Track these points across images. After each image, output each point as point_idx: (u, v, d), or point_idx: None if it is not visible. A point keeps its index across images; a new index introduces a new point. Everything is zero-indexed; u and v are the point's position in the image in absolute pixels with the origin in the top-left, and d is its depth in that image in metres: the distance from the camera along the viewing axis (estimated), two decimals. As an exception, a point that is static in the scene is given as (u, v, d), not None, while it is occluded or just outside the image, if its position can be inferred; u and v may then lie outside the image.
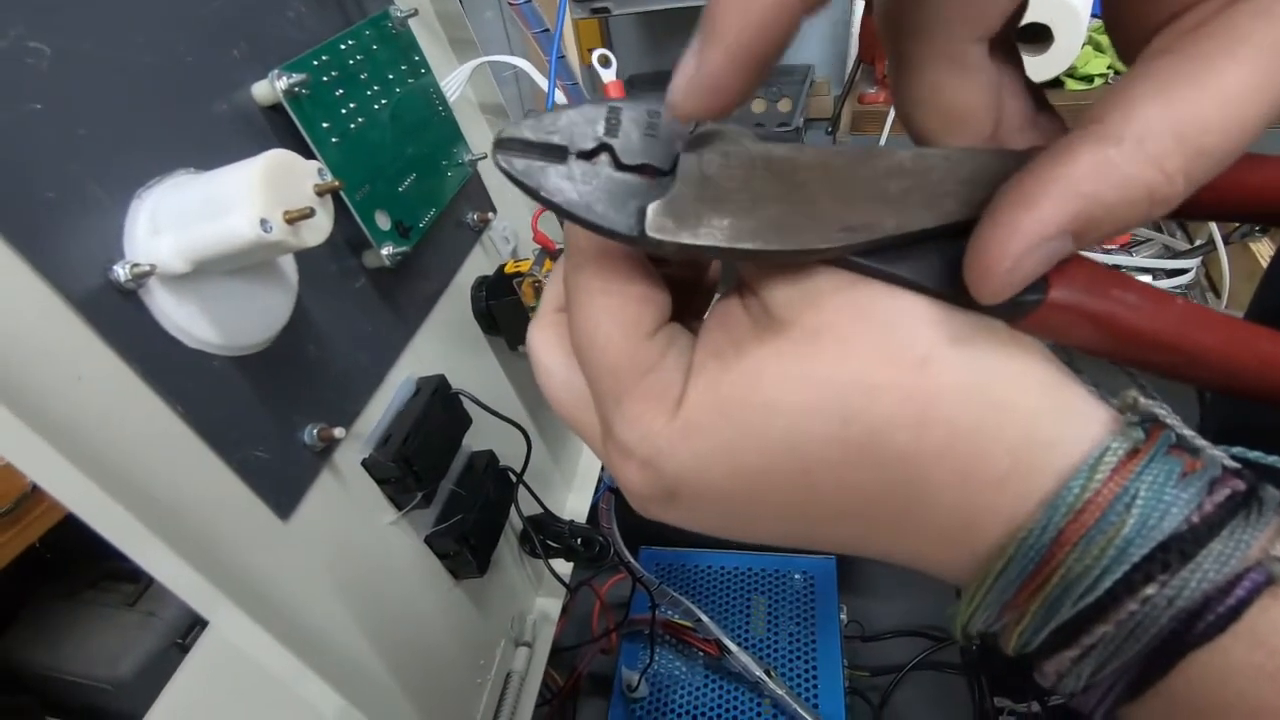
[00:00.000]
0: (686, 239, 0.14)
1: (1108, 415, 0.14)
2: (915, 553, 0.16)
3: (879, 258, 0.14)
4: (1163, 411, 0.14)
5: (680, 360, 0.16)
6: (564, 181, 0.15)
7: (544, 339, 0.19)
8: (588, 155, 0.15)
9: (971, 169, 0.14)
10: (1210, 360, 0.14)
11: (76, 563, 0.60)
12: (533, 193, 0.15)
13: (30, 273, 0.22)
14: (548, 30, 0.40)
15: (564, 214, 0.15)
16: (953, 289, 0.14)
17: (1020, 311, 0.14)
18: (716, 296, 0.17)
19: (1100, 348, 0.15)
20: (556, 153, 0.15)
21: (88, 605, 0.58)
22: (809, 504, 0.16)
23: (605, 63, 0.18)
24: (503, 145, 0.15)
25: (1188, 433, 0.14)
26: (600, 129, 0.15)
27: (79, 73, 0.24)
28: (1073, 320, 0.14)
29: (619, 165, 0.15)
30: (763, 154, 0.14)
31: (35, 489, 0.51)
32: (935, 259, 0.14)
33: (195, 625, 0.55)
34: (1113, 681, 0.14)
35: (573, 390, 0.18)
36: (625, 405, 0.16)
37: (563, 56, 0.40)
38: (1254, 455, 0.14)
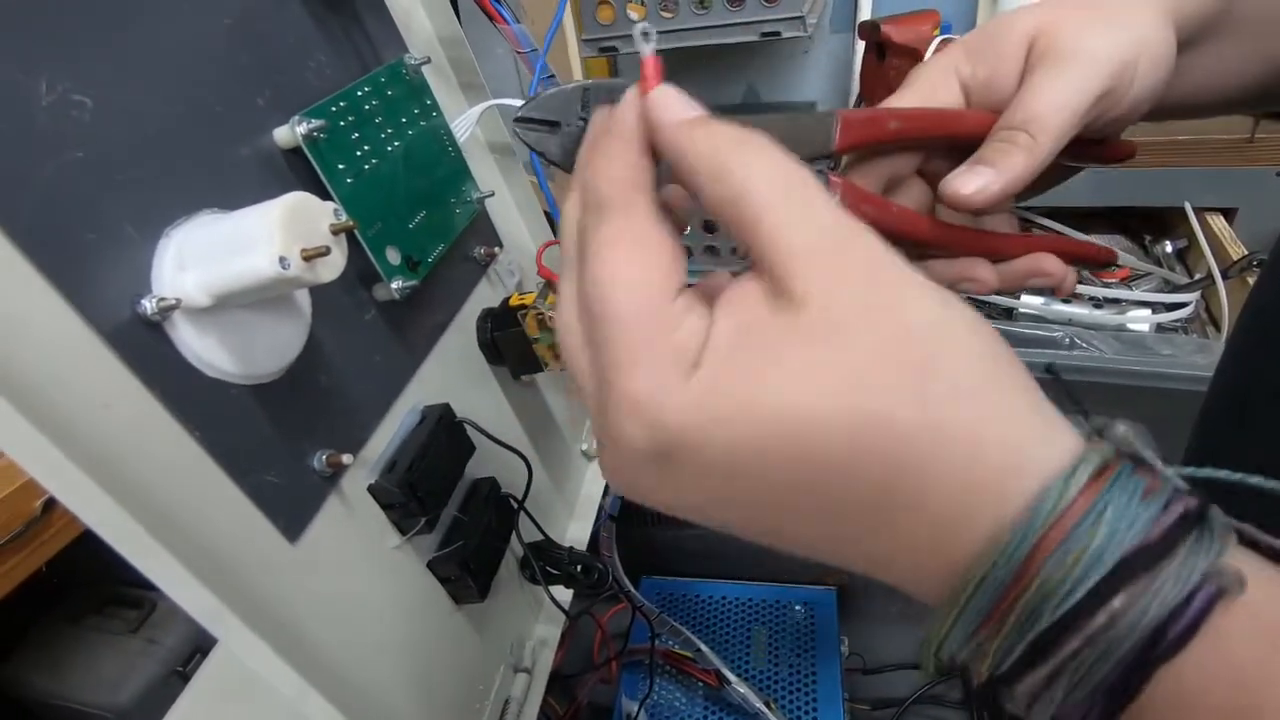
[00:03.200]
0: None
1: (1079, 437, 0.16)
2: (896, 557, 0.16)
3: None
4: (1126, 434, 0.15)
5: (699, 325, 0.17)
6: (557, 146, 0.21)
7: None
8: (574, 125, 0.21)
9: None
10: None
11: (82, 588, 0.61)
12: (541, 155, 0.21)
13: (66, 307, 0.24)
14: (554, 76, 0.42)
15: (560, 168, 0.20)
16: None
17: None
18: (734, 272, 0.18)
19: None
20: (552, 125, 0.21)
21: (91, 631, 0.58)
22: (803, 487, 0.16)
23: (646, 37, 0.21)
24: (519, 122, 0.21)
25: (1149, 454, 0.15)
26: (578, 107, 0.21)
27: (117, 122, 0.26)
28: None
29: None
30: None
31: (43, 513, 0.53)
32: None
33: (196, 653, 0.56)
34: (1087, 707, 0.14)
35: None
36: (642, 357, 0.16)
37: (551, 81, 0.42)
38: (1204, 472, 0.15)
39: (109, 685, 0.55)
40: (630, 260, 0.17)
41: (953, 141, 0.27)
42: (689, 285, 0.18)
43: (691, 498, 0.17)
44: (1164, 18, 0.25)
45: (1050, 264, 0.28)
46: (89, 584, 0.62)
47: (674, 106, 0.18)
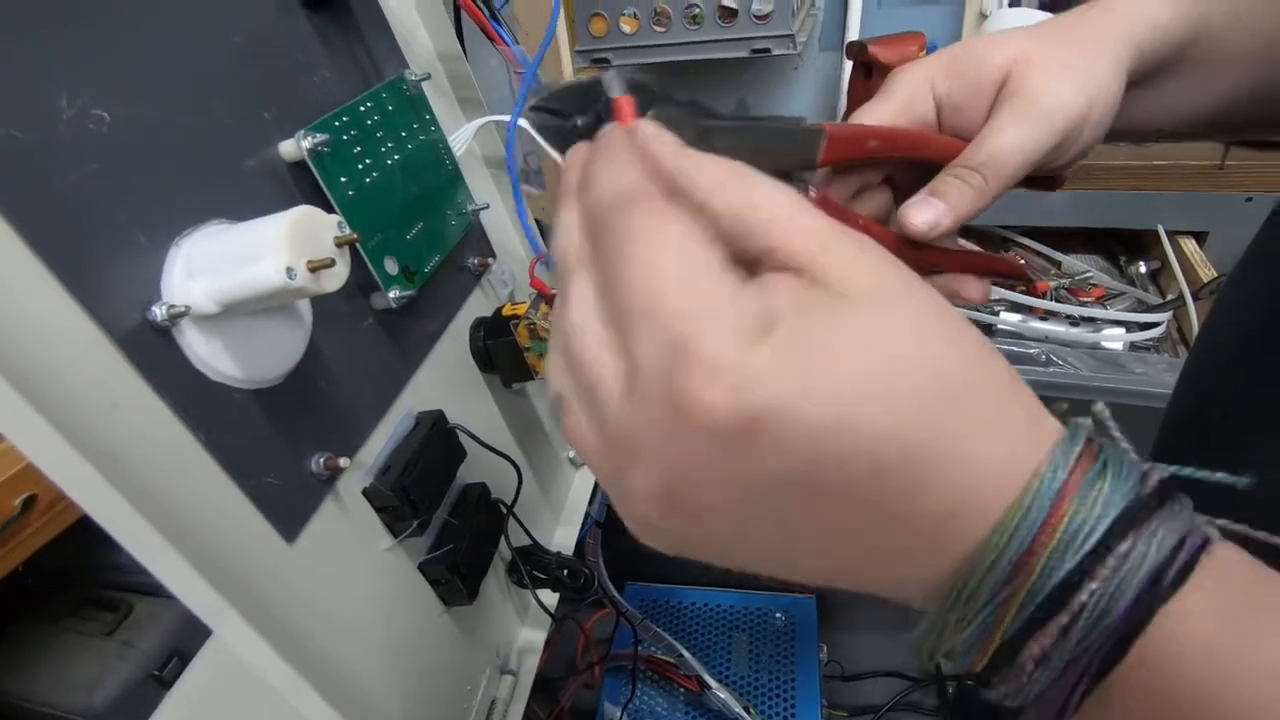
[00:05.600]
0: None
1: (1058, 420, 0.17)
2: (916, 540, 0.16)
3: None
4: (1101, 412, 0.17)
5: (758, 291, 0.16)
6: (567, 139, 0.21)
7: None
8: (590, 117, 0.21)
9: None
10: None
11: (58, 590, 0.61)
12: (555, 147, 0.21)
13: (80, 312, 0.25)
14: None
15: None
16: None
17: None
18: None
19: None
20: (565, 117, 0.21)
21: (66, 633, 0.58)
22: (883, 449, 0.15)
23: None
24: (534, 110, 0.21)
25: (1116, 436, 0.17)
26: (594, 100, 0.21)
27: (132, 135, 0.27)
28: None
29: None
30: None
31: (22, 512, 0.53)
32: None
33: (173, 656, 0.56)
34: (1097, 650, 0.15)
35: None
36: (718, 322, 0.15)
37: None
38: (1171, 469, 0.17)
39: (83, 688, 0.55)
40: (680, 232, 0.16)
41: (920, 161, 0.29)
42: None
43: (770, 472, 0.15)
44: (1121, 66, 0.27)
45: (969, 289, 0.29)
46: (66, 586, 0.62)
47: (665, 136, 0.19)
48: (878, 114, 0.29)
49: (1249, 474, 0.17)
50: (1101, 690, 0.15)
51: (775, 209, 0.17)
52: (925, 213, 0.26)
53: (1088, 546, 0.15)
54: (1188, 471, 0.17)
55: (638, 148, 0.18)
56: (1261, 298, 0.32)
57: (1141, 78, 0.28)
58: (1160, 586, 0.15)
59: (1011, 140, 0.26)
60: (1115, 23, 0.27)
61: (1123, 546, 0.15)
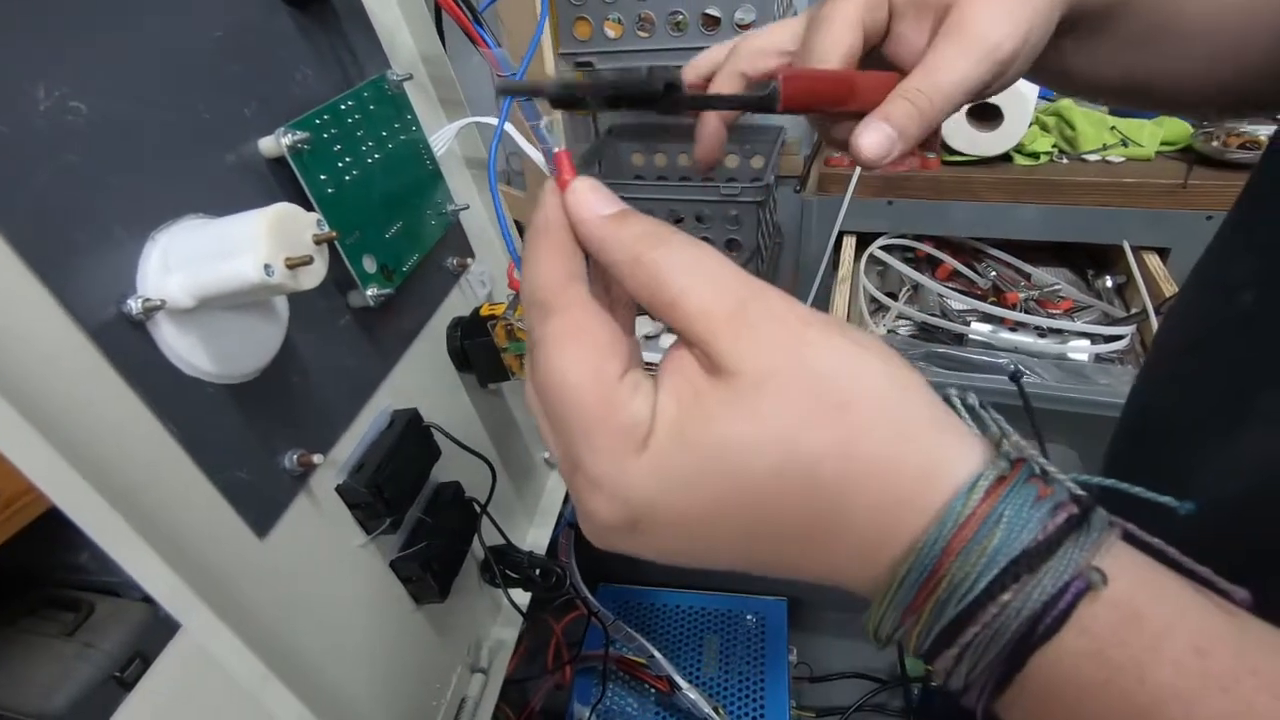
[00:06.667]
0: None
1: (982, 448, 0.18)
2: (840, 569, 0.19)
3: None
4: (1023, 444, 0.18)
5: (646, 402, 0.19)
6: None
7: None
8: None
9: None
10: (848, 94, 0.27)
11: (16, 589, 0.60)
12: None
13: (55, 305, 0.25)
14: (531, 100, 0.44)
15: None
16: None
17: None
18: (669, 345, 0.20)
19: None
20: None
21: (24, 633, 0.57)
22: (756, 527, 0.18)
23: (550, 129, 0.22)
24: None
25: (1044, 462, 0.18)
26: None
27: (111, 128, 0.27)
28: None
29: None
30: None
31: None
32: None
33: (135, 658, 0.55)
34: (985, 679, 0.17)
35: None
36: (596, 442, 0.18)
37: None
38: (1095, 480, 0.18)
39: (42, 690, 0.54)
40: (572, 356, 0.19)
41: (842, 115, 0.29)
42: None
43: (666, 547, 0.19)
44: (1055, 9, 0.28)
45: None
46: (24, 586, 0.60)
47: (592, 203, 0.20)
48: (843, 8, 0.29)
49: (1190, 502, 0.18)
50: (1004, 699, 0.17)
51: (676, 290, 0.19)
52: (874, 135, 0.27)
53: (968, 600, 0.17)
54: (1137, 491, 0.19)
55: (571, 214, 0.20)
56: (1193, 311, 0.34)
57: (1071, 25, 0.30)
58: (1035, 632, 0.16)
59: (952, 70, 0.27)
60: None
61: (1004, 596, 0.16)
